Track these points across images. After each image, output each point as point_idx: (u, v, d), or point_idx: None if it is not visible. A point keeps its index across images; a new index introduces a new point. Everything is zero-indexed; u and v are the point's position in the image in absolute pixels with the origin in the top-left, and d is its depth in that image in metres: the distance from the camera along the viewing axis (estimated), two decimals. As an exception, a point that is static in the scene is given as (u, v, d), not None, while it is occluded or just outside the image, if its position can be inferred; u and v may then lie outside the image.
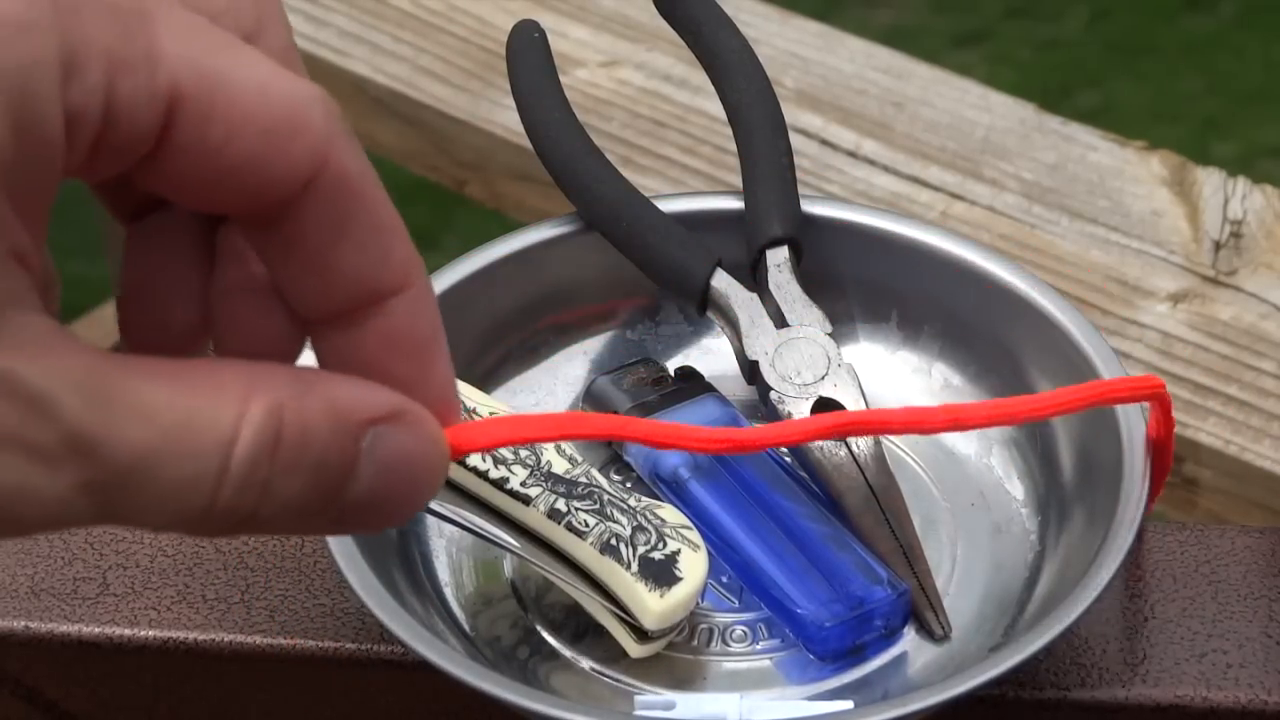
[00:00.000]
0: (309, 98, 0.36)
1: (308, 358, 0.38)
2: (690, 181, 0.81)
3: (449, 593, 0.57)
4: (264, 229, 0.37)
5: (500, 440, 0.40)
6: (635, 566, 0.53)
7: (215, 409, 0.35)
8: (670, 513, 0.55)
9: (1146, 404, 0.54)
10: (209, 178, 0.35)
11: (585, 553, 0.53)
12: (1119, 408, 0.56)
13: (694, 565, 0.53)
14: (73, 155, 0.34)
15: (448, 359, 0.39)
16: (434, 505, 0.54)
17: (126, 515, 0.35)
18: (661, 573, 0.53)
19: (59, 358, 0.34)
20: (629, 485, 0.59)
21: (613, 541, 0.53)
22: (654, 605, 0.53)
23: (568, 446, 0.55)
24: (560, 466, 0.54)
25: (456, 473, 0.54)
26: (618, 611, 0.53)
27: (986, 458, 0.59)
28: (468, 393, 0.56)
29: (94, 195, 0.39)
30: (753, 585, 0.56)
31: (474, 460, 0.54)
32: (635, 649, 0.54)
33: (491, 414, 0.55)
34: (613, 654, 0.55)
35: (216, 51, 0.35)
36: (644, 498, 0.55)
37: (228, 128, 0.35)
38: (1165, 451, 0.54)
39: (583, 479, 0.54)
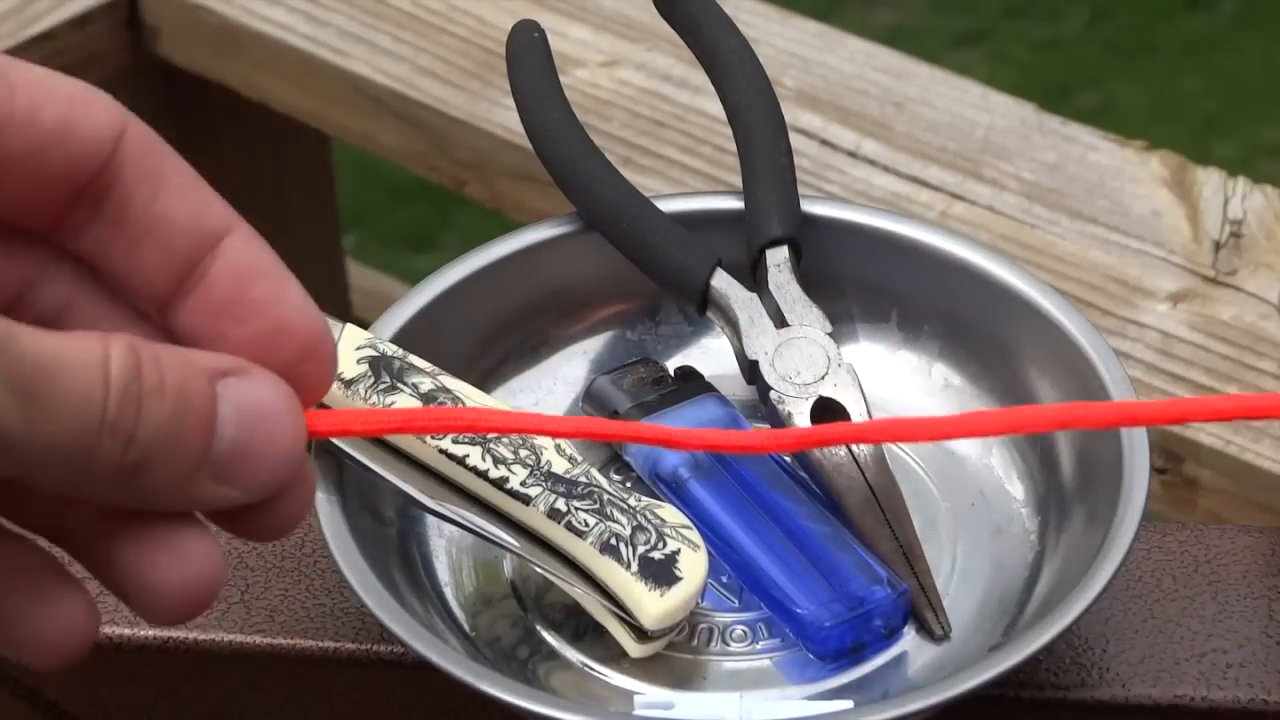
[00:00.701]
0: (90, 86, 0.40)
1: None
2: (690, 181, 0.81)
3: (449, 593, 0.57)
4: (92, 211, 0.40)
5: (354, 429, 0.42)
6: (635, 566, 0.53)
7: (86, 343, 0.38)
8: (670, 512, 0.55)
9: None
10: (33, 148, 0.39)
11: (585, 552, 0.53)
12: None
13: (694, 565, 0.53)
14: None
15: (298, 284, 0.41)
16: (434, 505, 0.54)
17: (33, 429, 0.37)
18: (661, 572, 0.53)
19: None
20: (629, 485, 0.59)
21: (612, 541, 0.53)
22: (653, 605, 0.53)
23: (567, 446, 0.55)
24: (560, 466, 0.54)
25: (457, 472, 0.54)
26: (617, 611, 0.53)
27: (986, 458, 0.59)
28: (468, 392, 0.56)
29: None
30: (753, 585, 0.56)
31: (474, 460, 0.54)
32: (635, 649, 0.54)
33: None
34: (613, 654, 0.55)
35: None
36: (644, 497, 0.55)
37: (31, 98, 0.39)
38: None
39: (582, 479, 0.54)
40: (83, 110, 0.40)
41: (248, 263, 0.41)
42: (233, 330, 0.40)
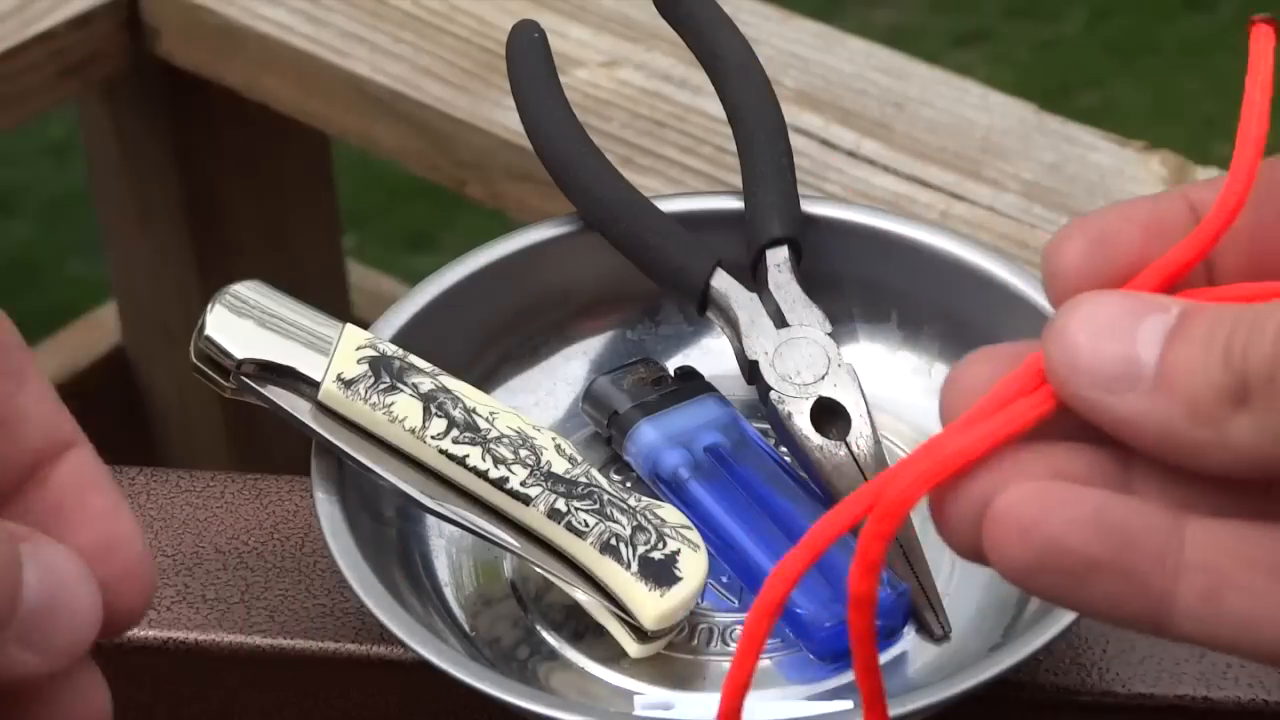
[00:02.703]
0: None
1: None
2: (690, 181, 0.81)
3: (449, 593, 0.57)
4: None
5: None
6: (635, 566, 0.53)
7: None
8: (670, 512, 0.55)
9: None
10: None
11: (585, 553, 0.53)
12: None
13: (694, 565, 0.53)
14: None
15: (130, 510, 0.42)
16: (434, 505, 0.54)
17: None
18: (661, 573, 0.53)
19: None
20: (629, 485, 0.59)
21: (612, 541, 0.53)
22: (653, 606, 0.53)
23: (567, 446, 0.55)
24: (560, 466, 0.54)
25: (457, 472, 0.54)
26: (618, 611, 0.53)
27: (986, 458, 0.59)
28: (467, 392, 0.56)
29: None
30: (752, 585, 0.56)
31: (474, 460, 0.54)
32: (635, 649, 0.54)
33: (492, 414, 0.55)
34: (613, 654, 0.55)
35: None
36: (643, 498, 0.55)
37: None
38: None
39: (582, 479, 0.54)
40: None
41: (90, 475, 0.42)
42: (64, 537, 0.40)
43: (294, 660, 0.57)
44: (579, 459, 0.55)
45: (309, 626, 0.57)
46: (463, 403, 0.55)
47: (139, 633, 0.57)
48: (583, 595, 0.54)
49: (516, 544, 0.54)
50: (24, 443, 0.42)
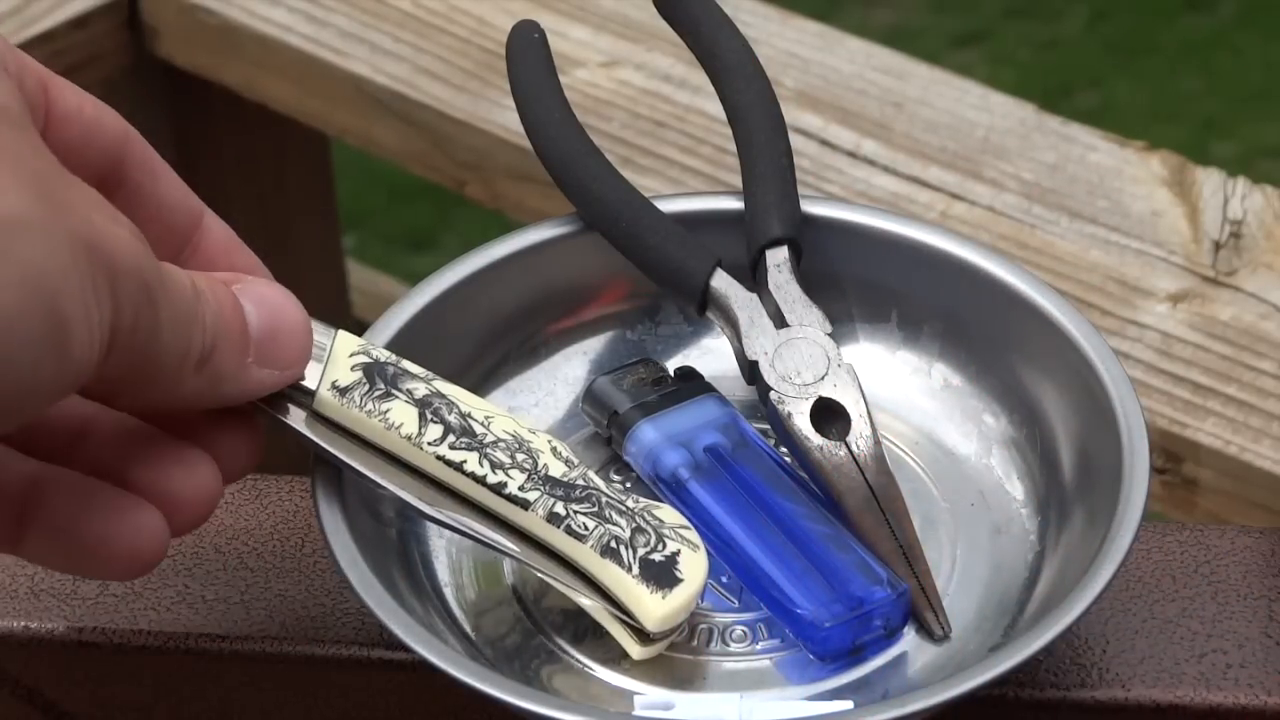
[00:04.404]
0: None
1: None
2: (690, 181, 0.81)
3: (449, 593, 0.57)
4: (118, 187, 0.51)
5: None
6: (636, 569, 0.53)
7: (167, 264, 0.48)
8: (668, 513, 0.55)
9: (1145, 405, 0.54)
10: (80, 137, 0.50)
11: (586, 556, 0.53)
12: (1119, 407, 0.56)
13: (694, 566, 0.53)
14: None
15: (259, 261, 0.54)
16: (433, 512, 0.54)
17: (158, 330, 0.46)
18: (662, 574, 0.53)
19: None
20: (628, 486, 0.59)
21: (613, 544, 0.53)
22: (656, 608, 0.53)
23: (563, 449, 0.55)
24: (558, 470, 0.54)
25: (454, 478, 0.54)
26: (619, 614, 0.53)
27: (986, 458, 0.60)
28: (462, 397, 0.55)
29: None
30: (752, 585, 0.56)
31: (471, 465, 0.54)
32: (637, 651, 0.54)
33: (487, 418, 0.55)
34: (613, 654, 0.55)
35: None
36: (641, 499, 0.55)
37: (75, 97, 0.50)
38: None
39: (580, 481, 0.54)
40: (105, 109, 0.50)
41: (227, 238, 0.54)
42: None
43: (294, 660, 0.57)
44: (576, 461, 0.55)
45: (309, 626, 0.57)
46: (458, 408, 0.55)
47: (139, 632, 0.57)
48: (584, 599, 0.54)
49: (516, 549, 0.54)
50: (174, 222, 0.52)
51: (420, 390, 0.54)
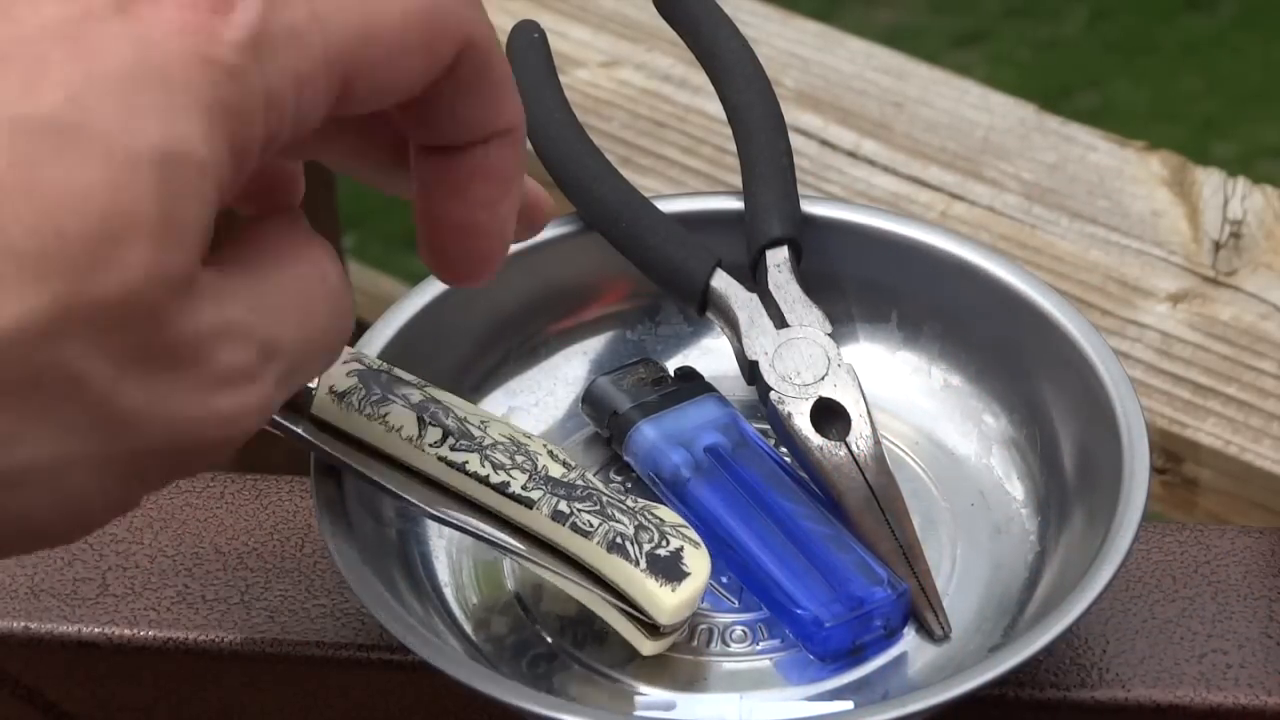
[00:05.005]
0: None
1: None
2: (690, 181, 0.81)
3: (449, 593, 0.57)
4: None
5: None
6: (644, 563, 0.53)
7: None
8: (666, 513, 0.55)
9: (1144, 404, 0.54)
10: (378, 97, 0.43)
11: (592, 552, 0.53)
12: (1119, 407, 0.56)
13: (698, 560, 0.53)
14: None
15: (520, 197, 0.47)
16: (437, 512, 0.54)
17: None
18: (670, 568, 0.53)
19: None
20: (628, 486, 0.59)
21: (618, 540, 0.53)
22: (667, 600, 0.53)
23: (559, 451, 0.55)
24: (557, 470, 0.54)
25: (457, 479, 0.54)
26: (627, 609, 0.53)
27: (986, 458, 0.60)
28: (455, 403, 0.55)
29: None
30: (753, 585, 0.56)
31: (474, 466, 0.54)
32: (647, 646, 0.54)
33: (483, 422, 0.55)
34: (613, 654, 0.55)
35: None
36: (640, 499, 0.55)
37: (389, 68, 0.42)
38: None
39: (580, 482, 0.54)
40: (434, 49, 0.43)
41: (493, 168, 0.46)
42: None
43: (294, 660, 0.57)
44: (573, 463, 0.55)
45: (309, 626, 0.57)
46: (454, 412, 0.55)
47: (139, 633, 0.57)
48: (590, 596, 0.54)
49: (522, 548, 0.54)
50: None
51: (416, 395, 0.54)
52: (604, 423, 0.59)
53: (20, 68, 0.37)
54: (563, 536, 0.53)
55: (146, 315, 0.37)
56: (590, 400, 0.60)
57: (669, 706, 0.53)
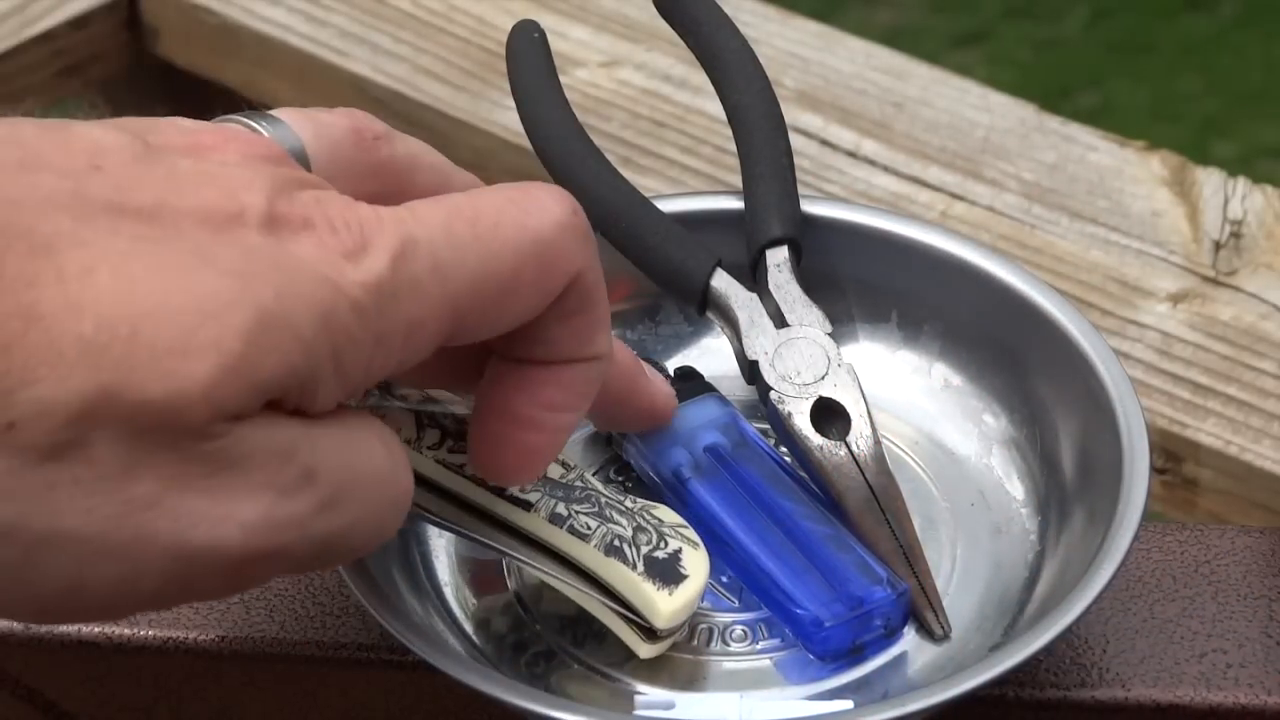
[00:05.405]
0: (557, 225, 0.46)
1: None
2: (690, 181, 0.81)
3: (449, 593, 0.57)
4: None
5: None
6: (641, 566, 0.53)
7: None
8: (665, 513, 0.55)
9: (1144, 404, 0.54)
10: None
11: (590, 556, 0.53)
12: (1119, 407, 0.56)
13: (697, 562, 0.53)
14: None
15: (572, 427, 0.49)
16: (432, 514, 0.54)
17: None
18: (667, 571, 0.53)
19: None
20: (628, 486, 0.59)
21: (616, 543, 0.53)
22: (664, 604, 0.53)
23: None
24: (555, 471, 0.54)
25: (454, 481, 0.54)
26: (624, 613, 0.53)
27: (986, 458, 0.60)
28: (455, 403, 0.55)
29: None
30: (753, 585, 0.56)
31: (471, 468, 0.54)
32: (644, 649, 0.54)
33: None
34: (612, 654, 0.55)
35: (465, 244, 0.44)
36: (638, 499, 0.55)
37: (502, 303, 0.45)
38: None
39: (578, 483, 0.54)
40: (546, 287, 0.46)
41: (558, 390, 0.49)
42: None
43: (294, 660, 0.57)
44: (572, 464, 0.55)
45: (309, 626, 0.57)
46: (452, 414, 0.55)
47: (139, 633, 0.57)
48: (588, 599, 0.54)
49: (519, 551, 0.54)
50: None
51: (414, 396, 0.54)
52: (604, 423, 0.59)
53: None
54: (561, 540, 0.53)
55: (183, 426, 0.39)
56: (590, 400, 0.60)
57: (668, 706, 0.53)
